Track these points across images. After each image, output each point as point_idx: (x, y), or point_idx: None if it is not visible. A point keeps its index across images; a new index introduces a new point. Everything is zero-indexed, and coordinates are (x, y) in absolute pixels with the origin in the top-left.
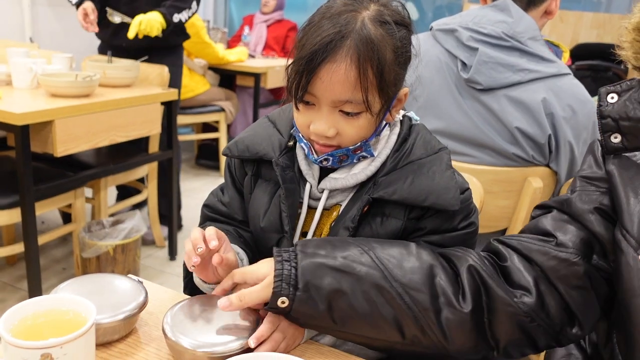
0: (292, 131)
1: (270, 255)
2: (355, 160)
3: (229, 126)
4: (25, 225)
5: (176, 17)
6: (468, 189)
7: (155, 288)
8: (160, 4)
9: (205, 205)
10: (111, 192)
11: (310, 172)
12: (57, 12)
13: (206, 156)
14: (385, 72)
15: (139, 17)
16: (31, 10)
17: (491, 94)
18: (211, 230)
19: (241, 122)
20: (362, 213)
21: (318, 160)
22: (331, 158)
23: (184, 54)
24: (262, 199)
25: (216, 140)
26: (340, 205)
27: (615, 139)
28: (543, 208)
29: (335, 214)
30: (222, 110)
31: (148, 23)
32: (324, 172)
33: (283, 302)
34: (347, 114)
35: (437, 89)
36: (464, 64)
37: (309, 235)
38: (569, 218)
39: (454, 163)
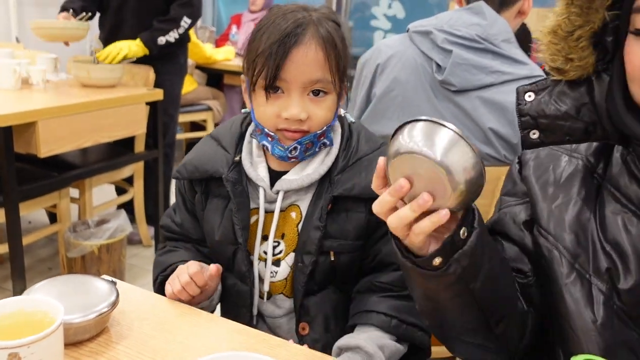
0: (250, 134)
1: (225, 266)
2: (317, 149)
3: (216, 125)
4: (10, 226)
5: (161, 40)
6: None
7: (129, 288)
8: (145, 17)
9: (161, 226)
10: (107, 190)
11: (260, 178)
12: (43, 12)
13: None
14: (342, 56)
15: (109, 47)
16: (17, 10)
17: (465, 95)
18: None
19: None
20: (327, 211)
21: (288, 150)
22: (299, 146)
23: (184, 62)
24: (214, 215)
25: None
26: (297, 205)
27: (534, 135)
28: None
29: (295, 214)
30: (210, 109)
31: (111, 54)
32: (273, 178)
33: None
34: (316, 94)
35: (413, 89)
36: (438, 65)
37: (271, 237)
38: (501, 239)
39: None
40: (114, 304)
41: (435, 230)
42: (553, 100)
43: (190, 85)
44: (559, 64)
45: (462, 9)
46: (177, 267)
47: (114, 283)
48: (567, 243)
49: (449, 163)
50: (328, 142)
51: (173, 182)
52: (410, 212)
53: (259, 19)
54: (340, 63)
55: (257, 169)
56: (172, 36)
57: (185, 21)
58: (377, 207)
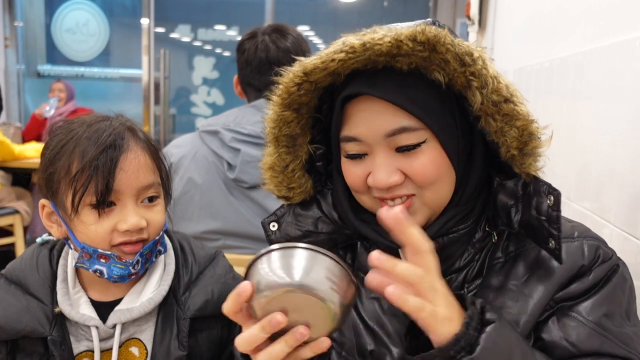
0: (76, 264)
1: None
2: (154, 259)
3: (25, 228)
4: None
5: None
6: None
7: None
8: None
9: None
10: None
11: (87, 317)
12: None
13: (2, 265)
14: (162, 159)
15: None
16: None
17: (258, 190)
18: None
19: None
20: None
21: (130, 266)
22: (140, 259)
23: None
24: None
25: (13, 244)
26: (138, 339)
27: None
28: None
29: (137, 350)
30: (17, 212)
31: None
32: (102, 311)
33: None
34: (150, 200)
35: (209, 188)
36: (229, 164)
37: None
38: None
39: (233, 256)
40: None
41: None
42: (293, 223)
43: None
44: (283, 193)
45: (246, 106)
46: None
47: None
48: None
49: (322, 288)
50: (163, 249)
51: None
52: (286, 348)
53: (66, 113)
54: (163, 165)
55: (78, 308)
56: None
57: None
58: (245, 345)
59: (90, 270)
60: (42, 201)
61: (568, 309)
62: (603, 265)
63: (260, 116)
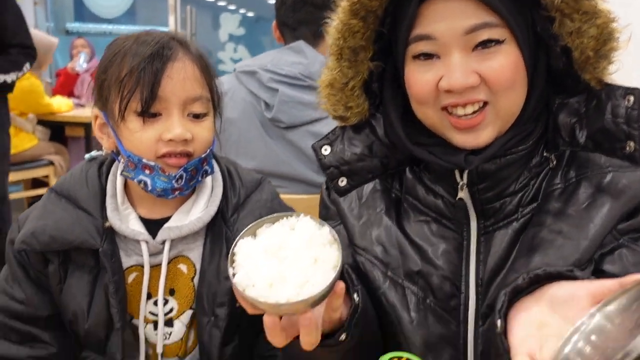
0: (122, 172)
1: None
2: (199, 178)
3: None
4: None
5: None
6: None
7: None
8: None
9: None
10: None
11: (136, 232)
12: None
13: None
14: (213, 75)
15: None
16: None
17: (295, 130)
18: None
19: None
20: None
21: (173, 179)
22: (184, 174)
23: (6, 113)
24: (81, 290)
25: None
26: (186, 257)
27: (342, 182)
28: None
29: (185, 267)
30: (52, 163)
31: None
32: (150, 228)
33: None
34: (196, 116)
35: (246, 128)
36: (266, 104)
37: (160, 295)
38: None
39: None
40: None
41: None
42: (347, 146)
43: (30, 141)
44: (340, 112)
45: (284, 48)
46: None
47: None
48: (377, 254)
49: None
50: (209, 170)
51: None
52: None
53: (92, 69)
54: (213, 81)
55: (128, 223)
56: (12, 77)
57: (27, 67)
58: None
59: (135, 181)
60: (94, 111)
61: (633, 242)
62: None
63: (298, 58)
